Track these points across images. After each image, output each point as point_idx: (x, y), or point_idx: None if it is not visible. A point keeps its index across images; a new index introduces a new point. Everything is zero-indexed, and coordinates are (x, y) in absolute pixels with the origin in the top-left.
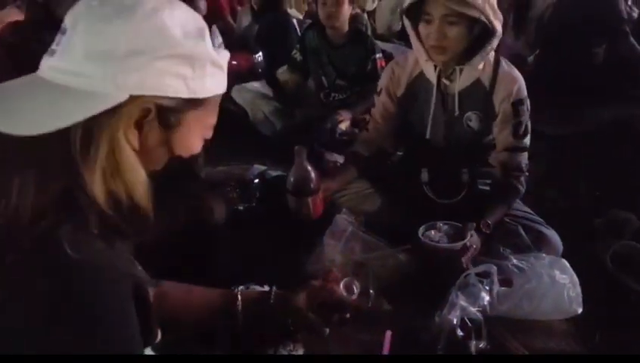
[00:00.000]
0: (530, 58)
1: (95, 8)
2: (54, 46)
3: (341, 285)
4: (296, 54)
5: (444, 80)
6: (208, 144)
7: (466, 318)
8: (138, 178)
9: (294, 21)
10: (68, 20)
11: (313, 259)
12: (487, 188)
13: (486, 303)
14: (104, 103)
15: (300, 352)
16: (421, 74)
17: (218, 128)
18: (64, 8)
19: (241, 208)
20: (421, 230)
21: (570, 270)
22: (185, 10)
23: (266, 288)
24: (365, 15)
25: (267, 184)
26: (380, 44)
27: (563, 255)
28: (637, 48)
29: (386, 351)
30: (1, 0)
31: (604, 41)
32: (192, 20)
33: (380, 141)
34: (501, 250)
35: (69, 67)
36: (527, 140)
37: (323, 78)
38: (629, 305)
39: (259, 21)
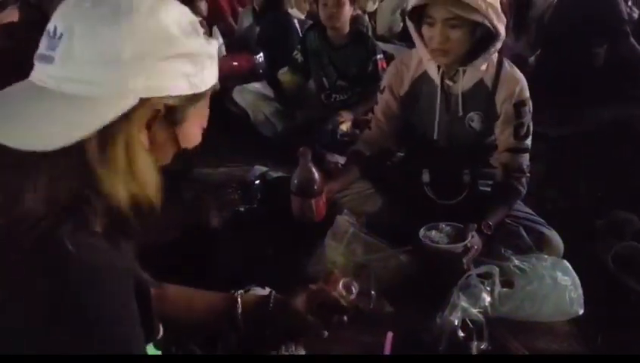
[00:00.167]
0: (531, 59)
1: (90, 10)
2: (47, 52)
3: (340, 285)
4: (297, 55)
5: (447, 81)
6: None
7: (467, 319)
8: (152, 178)
9: (295, 21)
10: (60, 24)
11: (314, 261)
12: (488, 189)
13: (487, 304)
14: (117, 110)
15: (301, 353)
16: (425, 73)
17: (219, 130)
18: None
19: (242, 209)
20: (422, 231)
21: (572, 271)
22: (177, 5)
23: (267, 290)
24: (366, 16)
25: (268, 186)
26: (380, 45)
27: (565, 256)
28: (637, 49)
29: (387, 352)
30: (2, 1)
31: (604, 42)
32: (184, 15)
33: (382, 140)
34: (503, 251)
35: (75, 75)
36: (529, 141)
37: (324, 79)
38: (631, 306)
39: (260, 22)
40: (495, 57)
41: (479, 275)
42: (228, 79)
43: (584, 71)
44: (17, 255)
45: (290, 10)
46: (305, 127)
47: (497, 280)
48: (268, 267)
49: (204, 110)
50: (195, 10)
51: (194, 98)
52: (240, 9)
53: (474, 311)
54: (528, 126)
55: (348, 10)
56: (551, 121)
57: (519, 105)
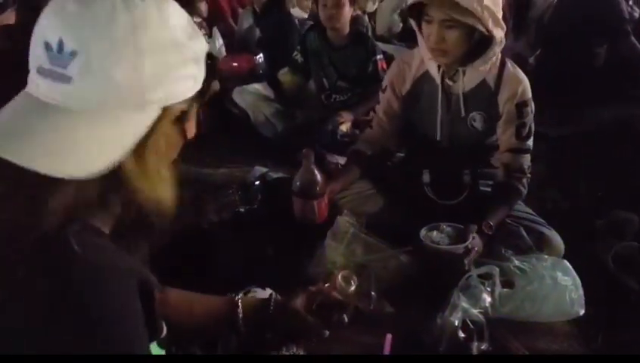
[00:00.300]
0: (531, 59)
1: (105, 27)
2: (58, 69)
3: (338, 277)
4: (297, 56)
5: (447, 81)
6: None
7: (468, 320)
8: (171, 178)
9: (297, 22)
10: (69, 40)
11: (314, 262)
12: (489, 189)
13: (487, 305)
14: (144, 124)
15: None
16: (426, 73)
17: (219, 131)
18: None
19: (242, 210)
20: (423, 231)
21: (572, 272)
22: (177, 8)
23: (267, 291)
24: (366, 17)
25: (268, 187)
26: (380, 45)
27: (565, 256)
28: (638, 48)
29: (386, 353)
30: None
31: (604, 42)
32: (182, 17)
33: (384, 140)
34: (503, 251)
35: (97, 94)
36: (530, 142)
37: (324, 79)
38: (631, 306)
39: (261, 23)
40: (498, 57)
41: (479, 276)
42: (228, 79)
43: (584, 71)
44: (22, 254)
45: (292, 10)
46: (305, 127)
47: (497, 281)
48: (269, 268)
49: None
50: (195, 11)
51: (199, 95)
52: (240, 10)
53: (475, 311)
54: (530, 127)
55: (348, 11)
56: (552, 121)
57: (521, 105)
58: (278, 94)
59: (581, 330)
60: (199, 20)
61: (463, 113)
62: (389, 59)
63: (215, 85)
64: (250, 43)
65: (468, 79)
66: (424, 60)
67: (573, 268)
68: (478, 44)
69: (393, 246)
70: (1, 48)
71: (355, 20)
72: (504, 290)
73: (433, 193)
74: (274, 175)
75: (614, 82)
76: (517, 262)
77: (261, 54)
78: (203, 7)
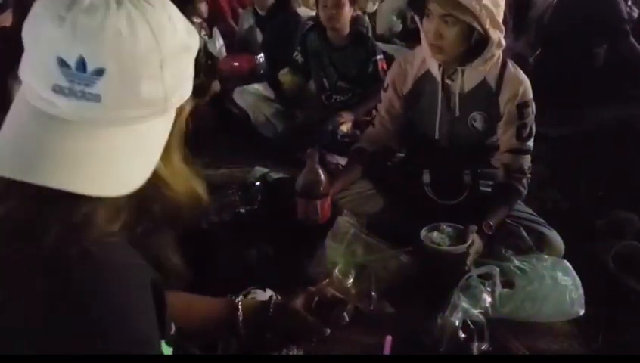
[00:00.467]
0: (530, 59)
1: (128, 42)
2: (83, 88)
3: (335, 271)
4: (298, 56)
5: (447, 80)
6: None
7: (468, 320)
8: (194, 170)
9: (303, 21)
10: (91, 57)
11: (315, 262)
12: (489, 190)
13: (487, 305)
14: (167, 127)
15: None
16: (428, 72)
17: (220, 131)
18: None
19: (243, 210)
20: (423, 232)
21: (573, 272)
22: (176, 10)
23: (268, 293)
24: (366, 17)
25: (269, 187)
26: (380, 45)
27: (565, 256)
28: (637, 48)
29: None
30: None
31: (604, 42)
32: (180, 15)
33: (385, 138)
34: (503, 251)
35: (128, 111)
36: (531, 142)
37: (324, 80)
38: (631, 306)
39: (267, 23)
40: (499, 57)
41: (479, 276)
42: (228, 79)
43: (584, 71)
44: (41, 256)
45: (298, 10)
46: (305, 128)
47: (497, 281)
48: (269, 268)
49: None
50: (195, 11)
51: (197, 90)
52: (240, 10)
53: (475, 311)
54: (530, 127)
55: (348, 12)
56: (551, 121)
57: (522, 106)
58: (278, 95)
59: (581, 330)
60: (199, 20)
61: (457, 113)
62: (389, 59)
63: (216, 86)
64: (250, 43)
65: (468, 79)
66: (425, 59)
67: (573, 268)
68: (477, 44)
69: (393, 247)
70: None
71: (355, 21)
72: (505, 290)
73: (433, 193)
74: (275, 175)
75: (614, 82)
76: (517, 262)
77: (261, 54)
78: (204, 7)
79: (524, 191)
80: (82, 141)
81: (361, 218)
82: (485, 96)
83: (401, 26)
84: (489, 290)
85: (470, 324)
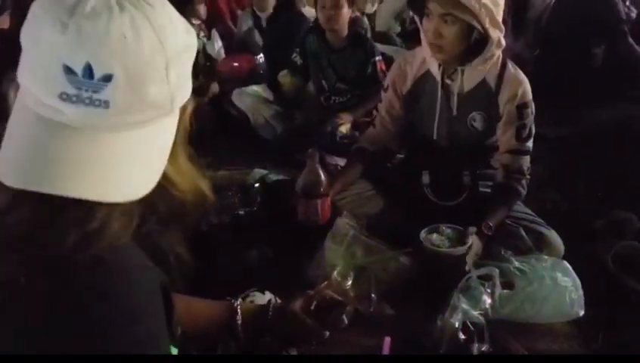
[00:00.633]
0: (529, 59)
1: (134, 45)
2: (90, 94)
3: (334, 273)
4: (296, 58)
5: (447, 80)
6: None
7: (468, 322)
8: (199, 167)
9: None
10: (101, 65)
11: (314, 264)
12: (488, 190)
13: (487, 306)
14: (173, 127)
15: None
16: (427, 72)
17: (219, 132)
18: None
19: (242, 212)
20: (423, 234)
21: (572, 272)
22: (175, 11)
23: (267, 295)
24: (365, 18)
25: (268, 189)
26: (379, 46)
27: (564, 257)
28: (635, 49)
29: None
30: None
31: (602, 42)
32: (177, 14)
33: (386, 139)
34: (503, 252)
35: (137, 115)
36: (530, 143)
37: (323, 81)
38: (631, 306)
39: (271, 22)
40: (500, 57)
41: (479, 277)
42: (227, 81)
43: (582, 71)
44: (54, 259)
45: (303, 10)
46: (304, 129)
47: (497, 282)
48: (268, 270)
49: None
50: (194, 13)
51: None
52: (239, 12)
53: (475, 313)
54: (530, 128)
55: (346, 13)
56: (550, 121)
57: (522, 107)
58: (277, 96)
59: (581, 331)
60: (198, 22)
61: (458, 113)
62: (388, 60)
63: (215, 87)
64: (249, 45)
65: (468, 79)
66: (425, 59)
67: (573, 268)
68: (476, 43)
69: (392, 248)
70: None
71: (354, 22)
72: (504, 291)
73: (432, 194)
74: (274, 177)
75: (612, 82)
76: (516, 263)
77: (261, 54)
78: (202, 9)
79: (523, 192)
80: (90, 147)
81: (361, 220)
82: (484, 96)
83: (399, 28)
84: (488, 291)
85: (470, 326)
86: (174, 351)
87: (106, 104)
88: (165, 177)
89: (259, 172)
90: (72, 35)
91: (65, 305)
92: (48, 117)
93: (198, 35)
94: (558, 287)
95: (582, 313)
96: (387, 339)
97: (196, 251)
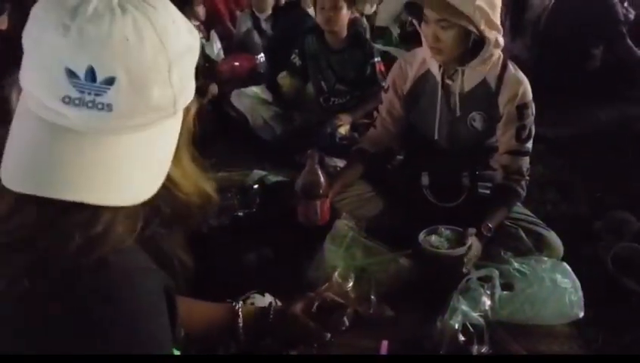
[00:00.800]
0: (528, 60)
1: (136, 47)
2: (92, 97)
3: (335, 274)
4: (295, 59)
5: (447, 80)
6: None
7: (468, 323)
8: (202, 169)
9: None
10: (103, 68)
11: (314, 265)
12: (487, 192)
13: (487, 308)
14: (177, 129)
15: None
16: (427, 72)
17: (218, 134)
18: None
19: (241, 214)
20: (422, 235)
21: (572, 274)
22: (178, 11)
23: (267, 298)
24: (364, 18)
25: (267, 190)
26: (379, 47)
27: (564, 258)
28: (634, 50)
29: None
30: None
31: (600, 43)
32: (180, 15)
33: (387, 140)
34: (502, 254)
35: (140, 118)
36: (530, 144)
37: (322, 82)
38: (631, 307)
39: (277, 24)
40: (500, 58)
41: (479, 278)
42: (227, 82)
43: (580, 73)
44: (59, 262)
45: (309, 10)
46: (303, 130)
47: (497, 284)
48: (268, 271)
49: None
50: (193, 14)
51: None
52: (238, 13)
53: (475, 314)
54: (530, 129)
55: (345, 14)
56: (549, 122)
57: (522, 107)
58: (276, 97)
59: (581, 331)
60: (197, 23)
61: (458, 113)
62: (386, 60)
63: (214, 89)
64: (248, 46)
65: (468, 79)
66: (425, 59)
67: (572, 269)
68: (475, 44)
69: (392, 250)
70: None
71: (353, 23)
72: (504, 292)
73: (432, 195)
74: (273, 178)
75: (611, 83)
76: (516, 265)
77: (262, 54)
78: (201, 10)
79: (523, 193)
80: (93, 151)
81: (360, 221)
82: (484, 96)
83: (399, 30)
84: (488, 292)
85: (470, 327)
86: (176, 353)
87: (109, 107)
88: (169, 179)
89: (258, 173)
90: (74, 37)
91: (68, 307)
92: (51, 121)
93: None
94: (558, 289)
95: (581, 314)
96: (384, 343)
97: (195, 253)
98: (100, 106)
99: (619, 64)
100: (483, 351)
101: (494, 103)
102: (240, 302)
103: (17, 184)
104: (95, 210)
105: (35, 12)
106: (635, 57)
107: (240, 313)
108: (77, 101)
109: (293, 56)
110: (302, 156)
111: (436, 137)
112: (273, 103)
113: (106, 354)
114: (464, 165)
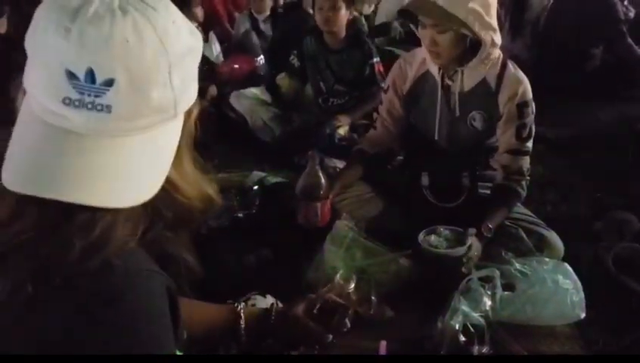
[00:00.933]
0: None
1: (136, 49)
2: (92, 98)
3: (337, 276)
4: (294, 60)
5: (447, 80)
6: None
7: (468, 324)
8: (204, 172)
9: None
10: (103, 69)
11: (314, 266)
12: (487, 192)
13: (488, 308)
14: (178, 131)
15: None
16: (427, 72)
17: (217, 135)
18: None
19: (241, 215)
20: (421, 235)
21: (573, 275)
22: (180, 13)
23: (268, 299)
24: (363, 18)
25: (266, 191)
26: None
27: (565, 259)
28: (634, 49)
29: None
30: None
31: (600, 43)
32: (182, 16)
33: (387, 140)
34: (503, 254)
35: (140, 120)
36: (530, 143)
37: (321, 83)
38: (632, 307)
39: (279, 24)
40: (500, 57)
41: (480, 279)
42: (226, 84)
43: (580, 72)
44: (63, 265)
45: (310, 11)
46: (303, 131)
47: (498, 284)
48: (268, 273)
49: None
50: (191, 15)
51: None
52: (236, 14)
53: (475, 315)
54: (530, 128)
55: (344, 14)
56: (548, 122)
57: (522, 106)
58: (275, 98)
59: (582, 332)
60: (195, 24)
61: (458, 113)
62: (385, 60)
63: (213, 90)
64: (246, 47)
65: (467, 79)
66: (425, 59)
67: (573, 269)
68: (473, 45)
69: (392, 250)
70: None
71: (351, 23)
72: (505, 293)
73: (432, 196)
74: (273, 179)
75: (611, 83)
76: (517, 265)
77: (261, 56)
78: (199, 11)
79: (523, 193)
80: (94, 153)
81: (360, 222)
82: (484, 95)
83: (399, 29)
84: (489, 293)
85: (471, 328)
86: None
87: (108, 109)
88: (170, 182)
89: (257, 174)
90: (74, 39)
91: (70, 309)
92: (52, 123)
93: None
94: (560, 290)
95: (583, 315)
96: (383, 343)
97: (195, 254)
98: (99, 107)
99: (619, 64)
100: (483, 351)
101: (494, 102)
102: (242, 304)
103: (18, 186)
104: (96, 213)
105: (38, 15)
106: (635, 55)
107: (242, 314)
108: (77, 103)
109: (292, 57)
110: (302, 157)
111: (436, 137)
112: (272, 105)
113: (108, 355)
114: (464, 165)
